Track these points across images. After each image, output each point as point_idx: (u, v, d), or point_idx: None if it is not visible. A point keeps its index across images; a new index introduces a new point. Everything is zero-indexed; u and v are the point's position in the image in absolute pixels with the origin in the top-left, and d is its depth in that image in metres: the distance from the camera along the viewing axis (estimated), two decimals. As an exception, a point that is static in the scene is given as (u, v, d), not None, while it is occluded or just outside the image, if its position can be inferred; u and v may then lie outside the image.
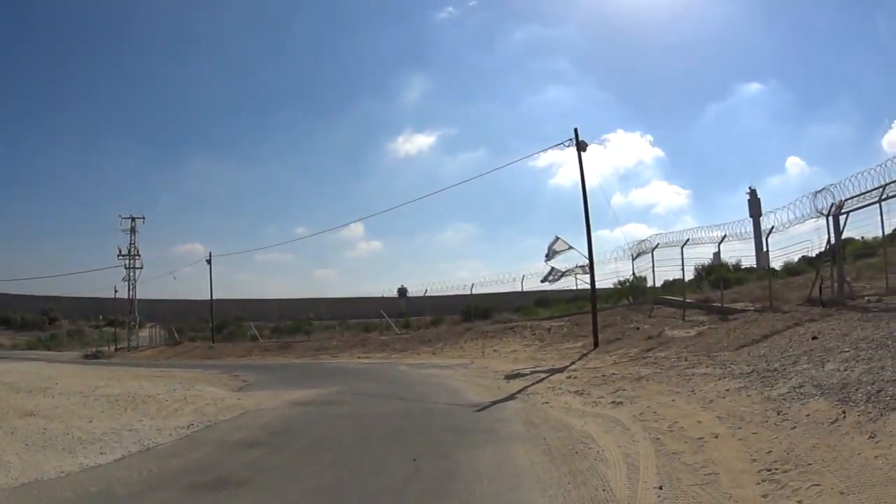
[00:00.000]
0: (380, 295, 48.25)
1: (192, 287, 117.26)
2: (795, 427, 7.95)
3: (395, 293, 53.05)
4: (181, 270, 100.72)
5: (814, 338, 12.62)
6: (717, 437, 8.29)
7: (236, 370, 26.50)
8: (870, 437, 6.89)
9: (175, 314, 60.74)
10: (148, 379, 21.56)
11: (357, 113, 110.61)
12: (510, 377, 17.52)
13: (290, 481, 7.68)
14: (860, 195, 15.97)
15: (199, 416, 13.06)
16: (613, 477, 7.13)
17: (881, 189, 15.38)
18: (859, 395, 8.28)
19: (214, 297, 51.59)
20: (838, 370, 9.73)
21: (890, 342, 10.22)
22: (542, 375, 17.06)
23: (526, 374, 17.67)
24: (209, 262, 51.07)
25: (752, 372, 11.45)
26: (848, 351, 10.60)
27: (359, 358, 30.98)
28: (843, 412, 7.89)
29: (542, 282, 24.92)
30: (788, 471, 6.54)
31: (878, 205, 15.68)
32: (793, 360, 11.35)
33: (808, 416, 8.25)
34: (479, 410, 12.49)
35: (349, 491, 7.19)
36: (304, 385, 18.79)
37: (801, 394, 9.22)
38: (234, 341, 46.65)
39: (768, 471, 6.67)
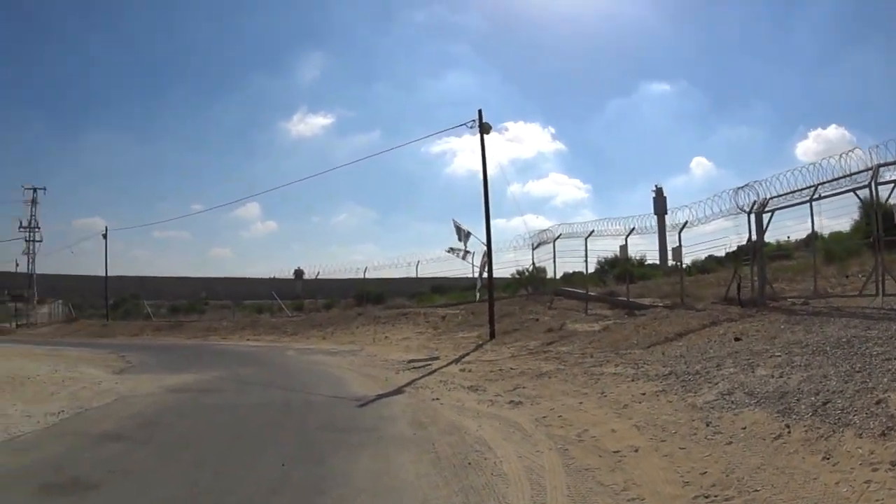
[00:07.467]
0: (276, 276, 46.36)
1: (93, 262, 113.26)
2: (731, 442, 6.84)
3: (291, 275, 51.20)
4: (81, 245, 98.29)
5: (737, 339, 11.75)
6: (637, 451, 7.09)
7: (124, 350, 25.71)
8: (824, 458, 5.90)
9: (75, 290, 58.58)
10: (35, 358, 20.71)
11: (250, 90, 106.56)
12: (400, 367, 16.58)
13: (145, 486, 6.77)
14: (787, 194, 15.33)
15: (72, 402, 12.27)
16: (515, 498, 5.94)
17: (813, 188, 14.69)
18: (802, 406, 7.29)
19: (114, 274, 51.03)
20: (772, 377, 8.68)
21: (828, 348, 9.26)
22: (434, 366, 16.17)
23: (417, 365, 16.74)
24: (105, 236, 50.08)
25: (669, 374, 10.38)
26: (780, 356, 9.61)
27: (248, 340, 30.73)
28: (787, 427, 6.86)
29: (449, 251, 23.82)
30: (731, 498, 5.45)
31: (808, 204, 14.98)
32: (716, 362, 10.33)
33: (744, 429, 7.16)
34: (362, 405, 11.39)
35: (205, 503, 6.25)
36: (185, 369, 18.00)
37: (733, 402, 8.16)
38: (129, 319, 46.16)
39: (706, 497, 5.54)
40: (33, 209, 59.06)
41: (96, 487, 6.65)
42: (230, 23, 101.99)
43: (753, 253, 16.37)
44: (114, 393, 13.45)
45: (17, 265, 59.74)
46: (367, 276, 36.53)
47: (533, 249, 27.97)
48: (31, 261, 59.45)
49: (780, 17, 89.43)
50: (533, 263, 29.07)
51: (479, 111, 21.54)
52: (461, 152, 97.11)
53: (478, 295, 24.78)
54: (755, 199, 16.05)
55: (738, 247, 17.03)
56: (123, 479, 7.00)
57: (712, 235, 20.10)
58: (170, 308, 48.96)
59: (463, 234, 22.08)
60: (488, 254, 21.99)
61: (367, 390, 13.04)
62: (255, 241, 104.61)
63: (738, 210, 16.53)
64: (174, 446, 8.66)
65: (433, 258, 32.62)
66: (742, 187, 16.44)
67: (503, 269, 30.65)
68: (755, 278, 16.18)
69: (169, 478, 7.02)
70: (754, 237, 16.30)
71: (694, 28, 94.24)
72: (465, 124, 21.99)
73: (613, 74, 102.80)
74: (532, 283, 29.59)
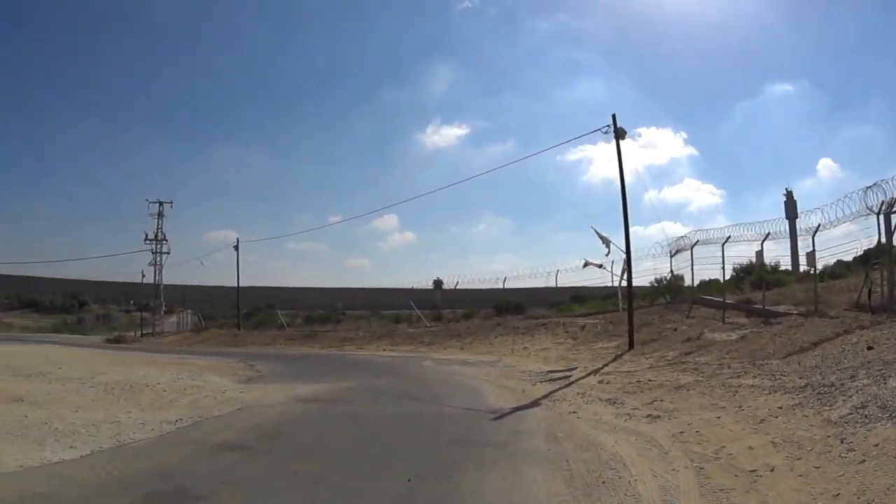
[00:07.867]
0: (415, 286, 47.44)
1: (224, 273, 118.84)
2: (864, 461, 6.71)
3: (430, 285, 52.23)
4: (213, 257, 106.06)
5: (869, 348, 11.65)
6: (772, 470, 7.08)
7: (254, 359, 26.22)
8: (950, 478, 5.78)
9: (206, 300, 61.85)
10: (158, 366, 21.24)
11: (382, 103, 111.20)
12: (538, 379, 16.73)
13: (257, 498, 6.85)
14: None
15: (191, 410, 12.52)
16: (646, 521, 6.02)
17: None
18: (933, 420, 7.23)
19: (248, 285, 52.90)
20: (903, 388, 8.62)
21: (956, 358, 9.10)
22: (573, 378, 16.24)
23: (555, 376, 16.83)
24: (236, 248, 51.86)
25: (805, 386, 10.25)
26: (910, 365, 9.49)
27: (384, 350, 30.75)
28: (917, 443, 6.85)
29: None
30: (860, 523, 5.32)
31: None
32: (849, 373, 10.20)
33: (876, 446, 7.01)
34: (496, 418, 11.48)
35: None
36: (317, 379, 18.35)
37: (866, 416, 7.97)
38: (262, 329, 46.62)
39: (837, 522, 5.45)
40: (159, 222, 62.23)
41: (204, 498, 6.63)
42: (357, 38, 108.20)
43: (882, 256, 16.05)
44: (238, 402, 13.62)
45: (143, 276, 63.20)
46: (507, 286, 36.61)
47: (671, 257, 27.93)
48: (157, 272, 62.47)
49: (890, 9, 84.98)
50: (671, 271, 29.05)
51: (613, 116, 21.63)
52: (597, 160, 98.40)
53: (620, 304, 25.13)
54: (883, 198, 15.69)
55: (865, 251, 16.85)
56: (235, 489, 7.00)
57: (843, 239, 19.92)
58: (305, 318, 49.50)
59: (605, 241, 22.42)
60: (627, 262, 22.23)
61: (502, 403, 13.10)
62: (393, 252, 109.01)
63: (868, 211, 16.17)
64: (295, 458, 8.66)
65: (572, 267, 32.59)
66: (870, 187, 16.13)
67: (642, 277, 30.81)
68: (884, 283, 15.81)
69: (285, 490, 7.01)
70: (884, 239, 15.94)
71: (808, 25, 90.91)
72: (599, 130, 22.02)
73: (738, 76, 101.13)
74: (670, 291, 29.40)
